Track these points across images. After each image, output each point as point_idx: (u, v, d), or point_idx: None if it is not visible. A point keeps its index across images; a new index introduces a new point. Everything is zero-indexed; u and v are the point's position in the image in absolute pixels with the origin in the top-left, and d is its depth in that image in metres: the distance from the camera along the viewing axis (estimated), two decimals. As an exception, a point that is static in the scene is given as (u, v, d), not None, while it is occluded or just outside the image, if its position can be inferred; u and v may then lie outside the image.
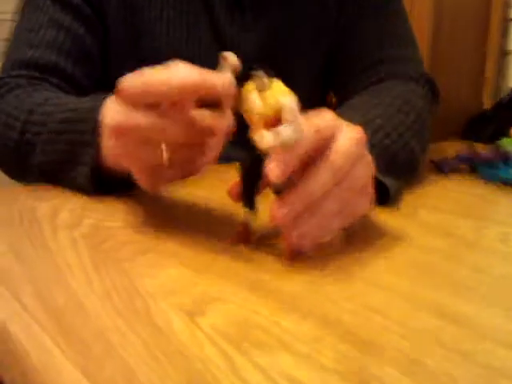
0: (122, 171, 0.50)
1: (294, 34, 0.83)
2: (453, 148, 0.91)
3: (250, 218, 0.46)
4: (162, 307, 0.36)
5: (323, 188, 0.42)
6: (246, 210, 0.46)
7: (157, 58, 0.76)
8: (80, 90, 0.74)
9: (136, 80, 0.44)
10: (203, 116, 0.45)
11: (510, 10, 2.46)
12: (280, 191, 0.42)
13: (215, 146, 0.47)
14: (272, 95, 0.41)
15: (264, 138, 0.39)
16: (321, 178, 0.42)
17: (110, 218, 0.52)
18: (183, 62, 0.45)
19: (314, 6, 0.84)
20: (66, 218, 0.52)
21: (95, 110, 0.53)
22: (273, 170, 0.39)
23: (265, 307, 0.36)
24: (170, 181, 0.50)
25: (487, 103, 2.44)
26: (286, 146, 0.39)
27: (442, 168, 0.75)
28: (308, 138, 0.41)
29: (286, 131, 0.39)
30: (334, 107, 0.92)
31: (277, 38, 0.82)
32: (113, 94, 0.48)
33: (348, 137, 0.44)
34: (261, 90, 0.41)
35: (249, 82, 0.42)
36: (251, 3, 0.79)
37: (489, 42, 2.44)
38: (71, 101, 0.62)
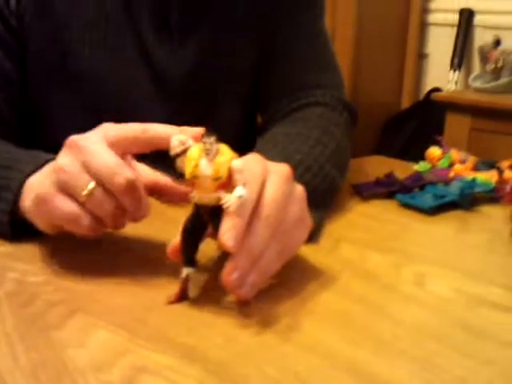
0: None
1: (222, 56, 0.84)
2: (371, 166, 0.95)
3: (190, 276, 0.47)
4: None
5: (264, 243, 0.45)
6: (187, 267, 0.46)
7: (81, 79, 0.76)
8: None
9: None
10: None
11: (427, 15, 2.55)
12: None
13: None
14: (224, 160, 0.43)
15: (228, 201, 0.43)
16: (260, 236, 0.45)
17: (36, 270, 0.51)
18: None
19: (239, 28, 0.84)
20: (-12, 271, 0.51)
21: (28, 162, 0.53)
22: (228, 239, 0.43)
23: (195, 379, 0.37)
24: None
25: (406, 104, 2.53)
26: (244, 206, 0.43)
27: (361, 192, 0.78)
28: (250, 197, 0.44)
29: (244, 193, 0.43)
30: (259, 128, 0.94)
31: (205, 61, 0.82)
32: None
33: (276, 181, 0.48)
34: (208, 154, 0.43)
35: (192, 148, 0.43)
36: (179, 25, 0.79)
37: (407, 45, 2.53)
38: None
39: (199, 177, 0.43)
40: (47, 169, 0.52)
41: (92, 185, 0.48)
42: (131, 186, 0.47)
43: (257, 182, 0.46)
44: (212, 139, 0.43)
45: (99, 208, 0.49)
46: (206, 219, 0.45)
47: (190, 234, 0.46)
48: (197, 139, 0.44)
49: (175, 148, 0.44)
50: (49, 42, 0.74)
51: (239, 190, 0.43)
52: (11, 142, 0.65)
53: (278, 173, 0.48)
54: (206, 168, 0.43)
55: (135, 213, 0.49)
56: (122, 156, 0.49)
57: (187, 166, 0.43)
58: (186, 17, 0.79)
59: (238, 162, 0.44)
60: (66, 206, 0.49)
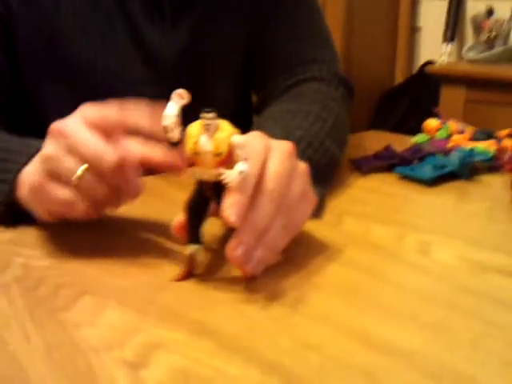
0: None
1: (214, 35, 0.83)
2: (368, 141, 0.95)
3: (196, 253, 0.47)
4: (104, 362, 0.36)
5: (269, 218, 0.45)
6: (192, 245, 0.46)
7: (72, 66, 0.75)
8: None
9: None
10: None
11: (417, -12, 2.54)
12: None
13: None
14: (224, 136, 0.43)
15: (229, 177, 0.43)
16: (264, 210, 0.45)
17: (41, 254, 0.51)
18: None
19: (231, 7, 0.84)
20: (-5, 257, 0.51)
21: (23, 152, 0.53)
22: (231, 215, 0.43)
23: (207, 353, 0.37)
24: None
25: (400, 78, 2.52)
26: (245, 182, 0.43)
27: (360, 167, 0.78)
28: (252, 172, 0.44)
29: (245, 168, 0.43)
30: (254, 107, 0.94)
31: (197, 40, 0.81)
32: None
33: (278, 157, 0.47)
34: (208, 130, 0.43)
35: (192, 124, 0.43)
36: (170, 6, 0.78)
37: (399, 19, 2.51)
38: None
39: (200, 153, 0.43)
40: (37, 158, 0.52)
41: (82, 168, 0.47)
42: (120, 166, 0.47)
43: (258, 158, 0.46)
44: (211, 115, 0.42)
45: (92, 190, 0.49)
46: (208, 195, 0.45)
47: (193, 211, 0.46)
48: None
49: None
50: (37, 29, 0.74)
51: (240, 166, 0.43)
52: (2, 128, 0.65)
53: (280, 149, 0.48)
54: (206, 144, 0.43)
55: (129, 192, 0.49)
56: (109, 133, 0.48)
57: (187, 142, 0.43)
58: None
59: (239, 138, 0.44)
60: (59, 192, 0.49)
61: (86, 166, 0.47)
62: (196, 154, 0.43)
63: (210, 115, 0.43)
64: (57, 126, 0.49)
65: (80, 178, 0.48)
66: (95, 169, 0.47)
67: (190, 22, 0.80)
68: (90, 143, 0.47)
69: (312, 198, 0.51)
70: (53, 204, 0.50)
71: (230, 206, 0.43)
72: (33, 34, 0.74)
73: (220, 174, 0.43)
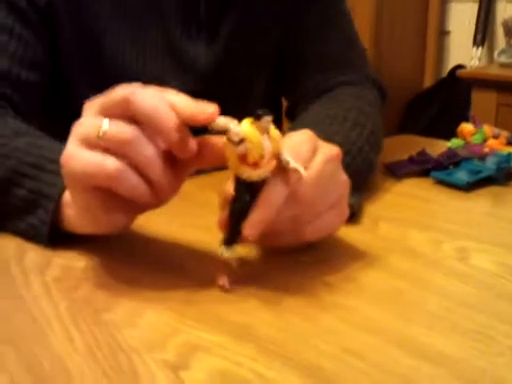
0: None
1: (252, 38, 0.83)
2: (400, 145, 0.95)
3: (234, 255, 0.47)
4: (146, 363, 0.37)
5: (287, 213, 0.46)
6: (231, 247, 0.46)
7: (106, 71, 0.76)
8: (31, 100, 0.73)
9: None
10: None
11: (447, -9, 2.52)
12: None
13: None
14: (279, 135, 0.44)
15: (302, 170, 0.45)
16: (288, 211, 0.46)
17: (80, 255, 0.52)
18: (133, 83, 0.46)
19: (268, 17, 0.84)
20: (35, 257, 0.52)
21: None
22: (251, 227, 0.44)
23: (247, 357, 0.37)
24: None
25: (428, 82, 2.50)
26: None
27: (394, 172, 0.78)
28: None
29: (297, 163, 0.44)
30: (285, 111, 0.94)
31: (234, 47, 0.81)
32: None
33: (320, 161, 0.47)
34: (268, 132, 0.43)
35: (247, 127, 0.43)
36: (208, 18, 0.79)
37: (428, 22, 2.49)
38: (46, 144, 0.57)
39: (265, 155, 0.43)
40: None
41: (106, 123, 0.44)
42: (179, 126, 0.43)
43: (302, 158, 0.46)
44: (269, 118, 0.42)
45: (118, 143, 0.43)
46: (253, 196, 0.45)
47: (236, 212, 0.46)
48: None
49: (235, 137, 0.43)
50: (76, 27, 0.75)
51: (295, 163, 0.44)
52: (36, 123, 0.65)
53: (325, 153, 0.48)
54: (268, 145, 0.43)
55: (183, 149, 0.44)
56: None
57: (254, 147, 0.42)
58: (214, 7, 0.79)
59: (291, 136, 0.46)
60: (87, 155, 0.44)
61: (107, 121, 0.44)
62: (262, 156, 0.43)
63: (269, 117, 0.43)
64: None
65: (104, 133, 0.44)
66: (150, 129, 0.44)
67: (228, 29, 0.80)
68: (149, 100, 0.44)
69: (344, 211, 0.51)
70: (82, 171, 0.44)
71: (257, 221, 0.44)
72: (71, 31, 0.75)
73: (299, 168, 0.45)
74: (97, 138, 0.44)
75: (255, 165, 0.43)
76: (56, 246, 0.52)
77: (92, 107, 0.46)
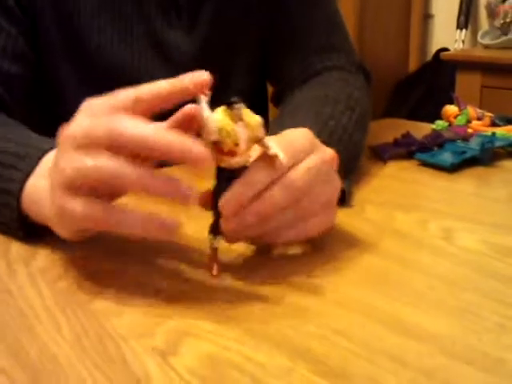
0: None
1: (233, 24, 0.83)
2: (385, 128, 0.95)
3: (216, 245, 0.46)
4: (134, 350, 0.37)
5: (277, 206, 0.45)
6: (212, 236, 0.46)
7: (91, 64, 0.76)
8: (13, 92, 0.72)
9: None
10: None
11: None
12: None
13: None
14: (256, 120, 0.43)
15: (281, 155, 0.44)
16: (275, 197, 0.45)
17: (66, 246, 0.52)
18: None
19: (249, 5, 0.83)
20: (20, 249, 0.51)
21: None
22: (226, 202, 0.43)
23: (235, 341, 0.38)
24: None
25: (413, 66, 2.50)
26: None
27: (380, 155, 0.78)
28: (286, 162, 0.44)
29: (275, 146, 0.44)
30: (271, 97, 0.94)
31: (215, 33, 0.81)
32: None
33: (315, 160, 0.47)
34: (241, 119, 0.42)
35: (219, 116, 0.42)
36: (187, 5, 0.78)
37: (412, 6, 2.49)
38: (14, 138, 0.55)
39: (239, 142, 0.43)
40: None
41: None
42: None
43: (295, 156, 0.46)
44: (241, 104, 0.42)
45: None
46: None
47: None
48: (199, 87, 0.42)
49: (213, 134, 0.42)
50: (58, 23, 0.74)
51: (273, 147, 0.44)
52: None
53: (320, 155, 0.48)
54: (243, 132, 0.42)
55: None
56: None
57: (227, 136, 0.42)
58: None
59: (261, 122, 0.44)
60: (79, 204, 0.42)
61: None
62: (237, 144, 0.43)
63: (241, 104, 0.42)
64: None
65: None
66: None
67: (208, 16, 0.80)
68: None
69: (335, 212, 0.50)
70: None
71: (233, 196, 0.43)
72: (56, 28, 0.74)
73: (250, 157, 0.44)
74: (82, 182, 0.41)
75: (231, 153, 0.43)
76: (41, 236, 0.52)
77: (72, 141, 0.42)
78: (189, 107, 0.45)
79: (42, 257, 0.50)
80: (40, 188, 0.48)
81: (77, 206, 0.41)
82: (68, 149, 0.42)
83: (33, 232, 0.52)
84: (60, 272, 0.47)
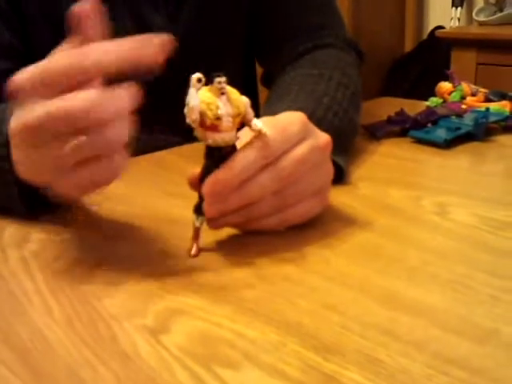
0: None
1: (217, 11, 0.82)
2: (380, 107, 0.94)
3: (198, 224, 0.46)
4: (126, 329, 0.37)
5: (263, 190, 0.45)
6: (196, 215, 0.46)
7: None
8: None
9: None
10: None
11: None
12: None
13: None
14: (240, 96, 0.43)
15: (263, 128, 0.44)
16: (260, 182, 0.45)
17: (58, 229, 0.52)
18: None
19: None
20: (13, 233, 0.51)
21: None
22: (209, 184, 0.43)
23: (226, 317, 0.37)
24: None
25: (409, 45, 2.49)
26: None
27: (374, 133, 0.77)
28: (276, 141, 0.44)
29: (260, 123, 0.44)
30: (260, 77, 0.93)
31: (202, 16, 0.80)
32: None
33: (308, 145, 0.47)
34: (223, 94, 0.42)
35: (202, 90, 0.42)
36: None
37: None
38: None
39: (221, 117, 0.42)
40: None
41: None
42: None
43: (288, 140, 0.45)
44: (224, 79, 0.42)
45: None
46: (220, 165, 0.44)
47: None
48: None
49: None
50: (42, 11, 0.73)
51: (257, 123, 0.44)
52: None
53: (314, 141, 0.47)
54: (225, 107, 0.42)
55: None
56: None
57: (208, 109, 0.42)
58: None
59: (246, 99, 0.44)
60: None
61: None
62: (218, 118, 0.42)
63: (223, 78, 0.42)
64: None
65: None
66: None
67: (192, 5, 0.79)
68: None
69: (325, 199, 0.50)
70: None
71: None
72: (42, 17, 0.73)
73: (237, 136, 0.44)
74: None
75: (214, 127, 0.42)
76: (38, 214, 0.52)
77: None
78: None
79: (35, 240, 0.50)
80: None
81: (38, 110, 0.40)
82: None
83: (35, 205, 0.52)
84: (52, 255, 0.47)
